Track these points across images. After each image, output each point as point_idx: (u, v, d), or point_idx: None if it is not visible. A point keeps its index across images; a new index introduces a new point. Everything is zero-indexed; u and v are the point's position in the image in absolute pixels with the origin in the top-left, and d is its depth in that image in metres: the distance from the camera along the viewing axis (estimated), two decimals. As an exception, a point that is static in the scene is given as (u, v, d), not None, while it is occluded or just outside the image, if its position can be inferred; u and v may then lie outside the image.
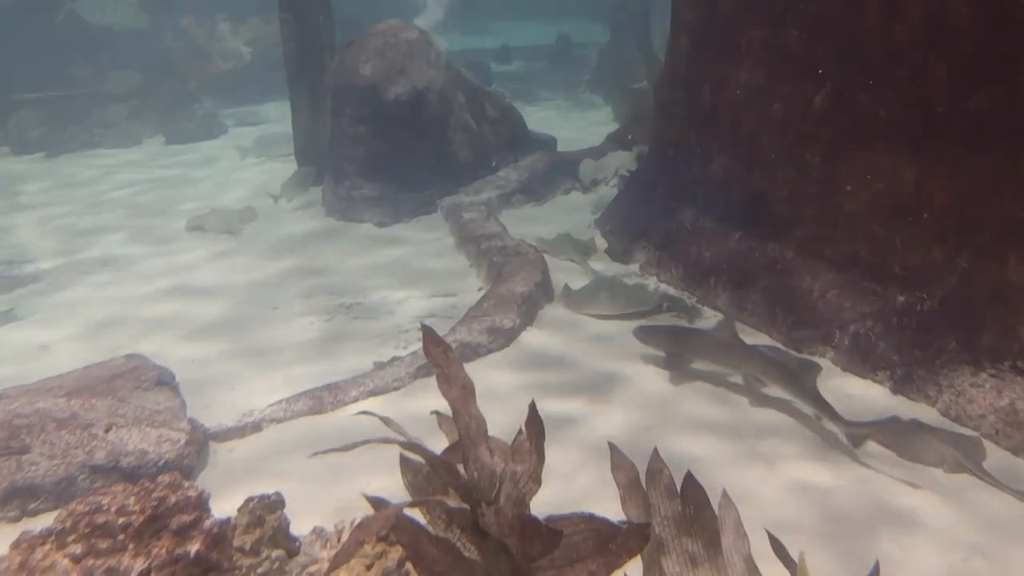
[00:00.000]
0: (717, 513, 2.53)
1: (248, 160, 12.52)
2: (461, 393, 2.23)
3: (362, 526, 1.93)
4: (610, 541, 2.06)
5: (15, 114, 14.21)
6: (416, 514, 2.31)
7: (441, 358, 2.28)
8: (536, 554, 1.97)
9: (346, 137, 9.36)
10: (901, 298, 5.29)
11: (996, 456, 4.47)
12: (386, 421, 2.52)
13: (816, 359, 5.57)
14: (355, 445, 2.35)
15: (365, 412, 2.87)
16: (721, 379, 5.38)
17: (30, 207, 10.68)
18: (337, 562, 2.00)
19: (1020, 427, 4.48)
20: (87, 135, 14.19)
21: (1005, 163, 4.67)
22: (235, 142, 13.55)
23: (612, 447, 2.70)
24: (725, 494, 2.63)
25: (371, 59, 9.25)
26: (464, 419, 2.21)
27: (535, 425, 2.15)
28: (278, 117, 13.36)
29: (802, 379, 4.85)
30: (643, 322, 6.12)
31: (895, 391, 5.12)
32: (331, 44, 10.38)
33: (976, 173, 4.83)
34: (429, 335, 2.32)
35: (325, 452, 2.48)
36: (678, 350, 5.52)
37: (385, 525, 1.94)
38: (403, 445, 2.21)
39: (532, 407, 2.19)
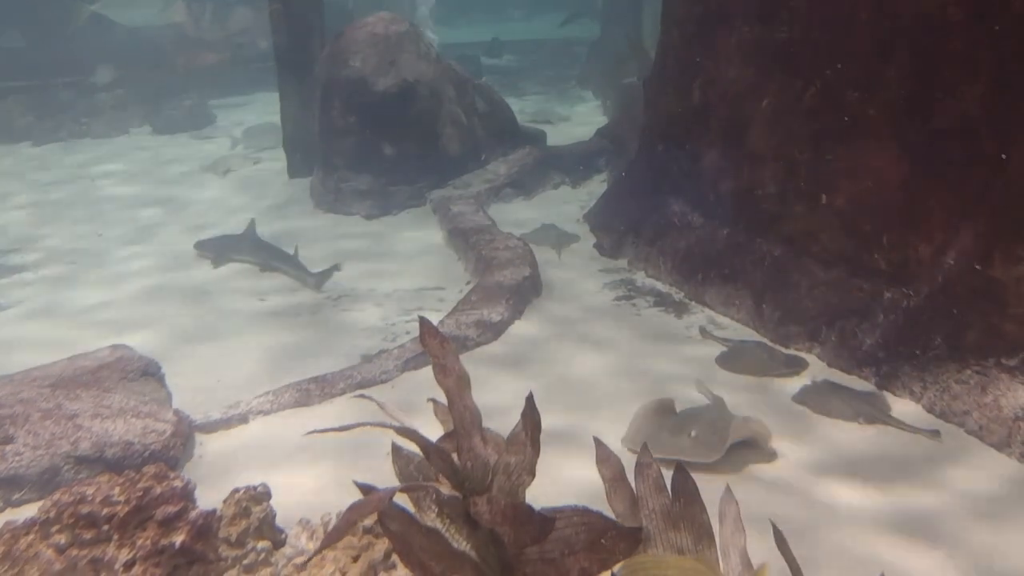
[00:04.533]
0: (719, 508, 2.54)
1: (238, 150, 12.46)
2: (457, 383, 2.23)
3: (353, 508, 1.93)
4: (603, 535, 2.06)
5: (1, 103, 14.08)
6: (405, 504, 2.30)
7: (437, 349, 2.28)
8: (528, 541, 1.97)
9: (335, 129, 9.32)
10: (887, 295, 5.32)
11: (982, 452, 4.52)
12: (382, 406, 2.52)
13: (803, 355, 5.60)
14: (351, 427, 2.36)
15: (362, 395, 2.87)
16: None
17: (14, 196, 10.60)
18: (327, 541, 1.99)
19: (1004, 423, 4.51)
20: (74, 124, 14.06)
21: (992, 160, 4.70)
22: (223, 133, 13.47)
23: (597, 441, 2.70)
24: (728, 490, 2.63)
25: (361, 51, 9.20)
26: (459, 409, 2.20)
27: (532, 417, 2.15)
28: (267, 108, 13.29)
29: (298, 262, 7.25)
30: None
31: (880, 387, 5.15)
32: (321, 35, 10.33)
33: (963, 170, 4.86)
34: (426, 326, 2.32)
35: (322, 431, 2.48)
36: (222, 253, 7.75)
37: (377, 508, 1.94)
38: (398, 430, 2.20)
39: (529, 399, 2.19)
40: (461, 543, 2.08)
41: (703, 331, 6.05)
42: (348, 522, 1.94)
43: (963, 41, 4.77)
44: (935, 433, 4.59)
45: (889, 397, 5.05)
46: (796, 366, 5.47)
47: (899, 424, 4.71)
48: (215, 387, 5.40)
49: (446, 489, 2.03)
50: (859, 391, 5.07)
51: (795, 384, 5.25)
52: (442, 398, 2.33)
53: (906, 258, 5.21)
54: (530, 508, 1.99)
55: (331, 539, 1.99)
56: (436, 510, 2.13)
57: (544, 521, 1.95)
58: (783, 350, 5.69)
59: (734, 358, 5.58)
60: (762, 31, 6.14)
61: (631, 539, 2.13)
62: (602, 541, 2.03)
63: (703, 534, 2.47)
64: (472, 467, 2.10)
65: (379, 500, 1.94)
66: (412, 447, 2.29)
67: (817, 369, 5.44)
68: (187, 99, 14.90)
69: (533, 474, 2.14)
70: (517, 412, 2.21)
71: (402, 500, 2.31)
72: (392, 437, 2.41)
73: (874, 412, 4.81)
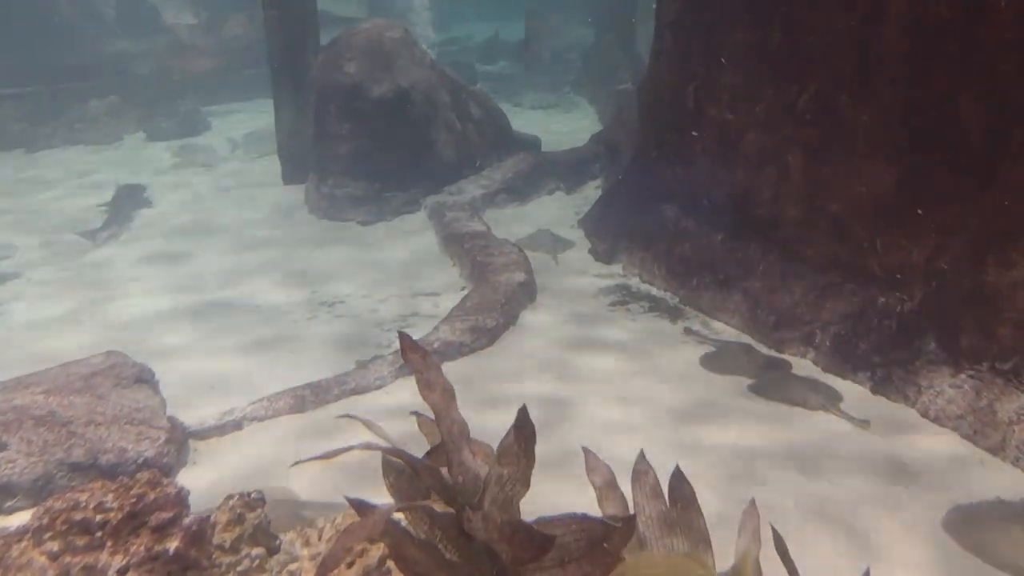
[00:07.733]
0: (740, 521, 2.53)
1: (237, 153, 12.48)
2: (442, 397, 2.21)
3: (348, 532, 1.90)
4: (603, 540, 2.04)
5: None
6: (397, 514, 2.29)
7: (420, 363, 2.26)
8: (528, 559, 1.95)
9: (330, 135, 9.32)
10: (881, 299, 5.33)
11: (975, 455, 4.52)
12: (368, 424, 2.50)
13: (797, 359, 5.61)
14: (337, 452, 2.32)
15: (347, 415, 2.84)
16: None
17: (10, 200, 10.57)
18: (324, 570, 1.95)
19: (998, 427, 4.52)
20: (67, 131, 14.02)
21: (985, 166, 4.72)
22: (218, 140, 13.45)
23: (586, 451, 2.70)
24: (752, 503, 2.63)
25: (356, 57, 9.21)
26: (447, 423, 2.19)
27: (525, 428, 2.13)
28: (261, 115, 13.29)
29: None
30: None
31: (875, 391, 5.16)
32: (316, 41, 10.33)
33: (956, 176, 4.87)
34: (406, 341, 2.30)
35: (307, 460, 2.46)
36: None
37: (372, 532, 1.92)
38: (386, 451, 2.19)
39: (522, 411, 2.18)
40: (454, 555, 2.07)
41: (687, 331, 6.11)
42: (343, 548, 1.92)
43: (955, 47, 4.79)
44: (865, 422, 4.81)
45: (885, 402, 5.07)
46: (777, 367, 5.50)
47: (842, 414, 4.90)
48: (209, 392, 5.39)
49: (439, 506, 2.02)
50: (810, 381, 5.30)
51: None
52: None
53: (900, 263, 5.22)
54: (529, 527, 1.97)
55: (326, 568, 1.96)
56: (429, 521, 2.12)
57: (544, 540, 1.92)
58: (776, 354, 5.71)
59: (716, 359, 5.67)
60: (756, 36, 6.16)
61: (626, 532, 2.11)
62: (604, 545, 2.01)
63: (700, 539, 2.47)
64: (463, 481, 2.09)
65: (374, 525, 1.92)
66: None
67: (804, 371, 5.46)
68: (182, 105, 14.88)
69: (527, 485, 2.12)
70: (509, 419, 2.20)
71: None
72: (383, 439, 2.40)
73: (819, 399, 5.04)
